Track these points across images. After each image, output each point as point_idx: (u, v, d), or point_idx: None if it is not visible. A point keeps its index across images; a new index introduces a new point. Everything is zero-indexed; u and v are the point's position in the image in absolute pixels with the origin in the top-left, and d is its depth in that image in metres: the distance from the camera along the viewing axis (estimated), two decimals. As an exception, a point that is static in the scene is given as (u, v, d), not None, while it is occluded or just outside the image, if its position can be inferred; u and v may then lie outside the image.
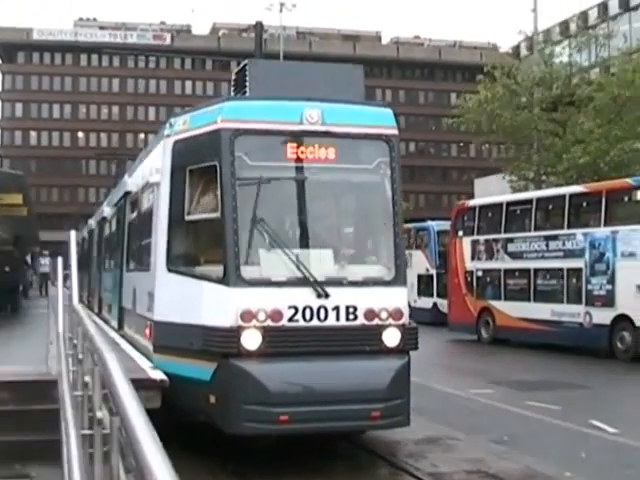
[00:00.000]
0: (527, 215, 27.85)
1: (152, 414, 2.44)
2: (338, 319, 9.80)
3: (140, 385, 3.05)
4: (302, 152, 10.28)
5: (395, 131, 10.85)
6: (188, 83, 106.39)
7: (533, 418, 13.93)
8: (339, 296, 9.83)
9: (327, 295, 9.76)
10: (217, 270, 9.90)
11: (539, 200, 27.87)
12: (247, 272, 9.74)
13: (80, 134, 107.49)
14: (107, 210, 20.72)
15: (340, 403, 9.51)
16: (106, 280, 19.59)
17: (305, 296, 9.72)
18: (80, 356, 6.93)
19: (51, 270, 44.35)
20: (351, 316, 9.85)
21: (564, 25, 60.29)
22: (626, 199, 24.65)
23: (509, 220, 28.48)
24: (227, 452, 10.07)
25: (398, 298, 10.28)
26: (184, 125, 10.78)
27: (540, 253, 26.54)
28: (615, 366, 22.57)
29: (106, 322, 17.65)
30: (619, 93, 34.96)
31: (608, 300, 23.68)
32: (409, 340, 10.22)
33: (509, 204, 29.11)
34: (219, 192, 9.96)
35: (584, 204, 26.30)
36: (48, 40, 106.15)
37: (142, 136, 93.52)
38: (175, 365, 10.04)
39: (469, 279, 30.33)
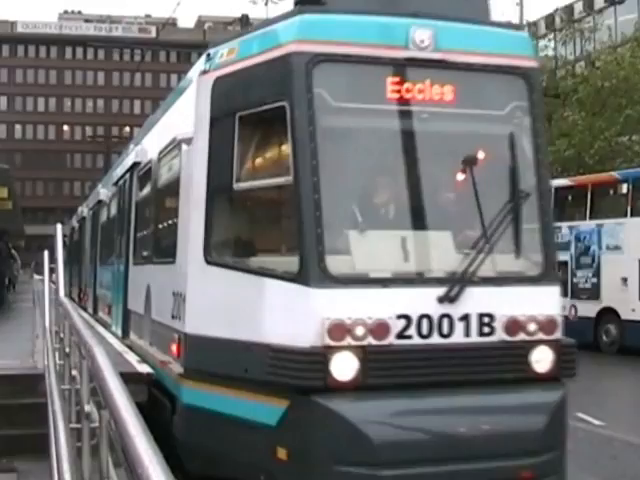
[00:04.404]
0: (513, 208, 27.89)
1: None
2: (468, 334, 6.86)
3: (126, 379, 3.04)
4: (408, 90, 7.17)
5: (535, 63, 7.96)
6: (174, 76, 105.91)
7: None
8: (469, 300, 6.86)
9: (453, 299, 6.82)
10: (288, 262, 6.90)
11: (525, 193, 27.89)
12: (335, 265, 6.65)
13: (65, 127, 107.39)
14: (104, 192, 17.63)
15: (475, 459, 6.70)
16: (103, 275, 16.70)
17: (421, 300, 6.77)
18: (67, 350, 6.91)
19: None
20: (486, 329, 6.93)
21: (550, 18, 60.37)
22: (611, 192, 24.79)
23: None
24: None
25: (550, 302, 7.36)
26: (230, 55, 7.60)
27: (526, 246, 26.59)
28: (600, 359, 22.66)
29: (105, 326, 15.01)
30: (602, 85, 35.13)
31: (593, 293, 23.79)
32: (566, 363, 7.41)
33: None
34: (290, 146, 6.88)
35: (570, 197, 26.40)
36: (33, 33, 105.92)
37: (127, 129, 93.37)
38: (220, 399, 7.20)
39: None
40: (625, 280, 22.73)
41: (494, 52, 7.52)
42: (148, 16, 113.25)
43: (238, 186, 7.35)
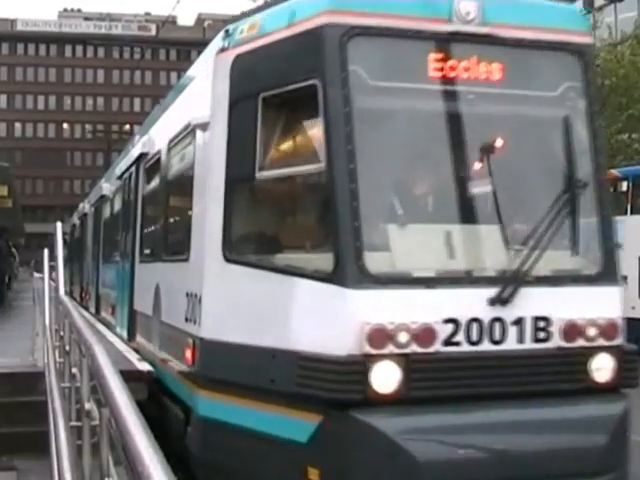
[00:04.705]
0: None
1: None
2: (522, 340, 6.14)
3: (126, 377, 3.04)
4: (452, 67, 6.43)
5: (589, 39, 7.25)
6: (173, 74, 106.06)
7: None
8: (522, 302, 6.14)
9: (506, 300, 6.10)
10: (320, 259, 6.16)
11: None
12: (374, 263, 5.92)
13: (65, 125, 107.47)
14: (107, 187, 16.89)
15: None
16: (106, 273, 16.04)
17: (470, 302, 6.04)
18: (67, 348, 6.91)
19: None
20: (541, 334, 6.20)
21: (549, 16, 60.41)
22: (611, 190, 24.77)
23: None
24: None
25: (610, 304, 6.64)
26: (252, 30, 6.80)
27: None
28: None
29: (108, 327, 14.44)
30: (602, 83, 35.15)
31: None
32: (628, 371, 6.54)
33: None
34: (322, 130, 6.15)
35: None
36: (32, 31, 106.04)
37: (127, 127, 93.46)
38: (240, 412, 6.42)
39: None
40: (625, 278, 22.68)
41: (545, 27, 6.77)
42: (148, 14, 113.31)
43: (261, 175, 6.56)
